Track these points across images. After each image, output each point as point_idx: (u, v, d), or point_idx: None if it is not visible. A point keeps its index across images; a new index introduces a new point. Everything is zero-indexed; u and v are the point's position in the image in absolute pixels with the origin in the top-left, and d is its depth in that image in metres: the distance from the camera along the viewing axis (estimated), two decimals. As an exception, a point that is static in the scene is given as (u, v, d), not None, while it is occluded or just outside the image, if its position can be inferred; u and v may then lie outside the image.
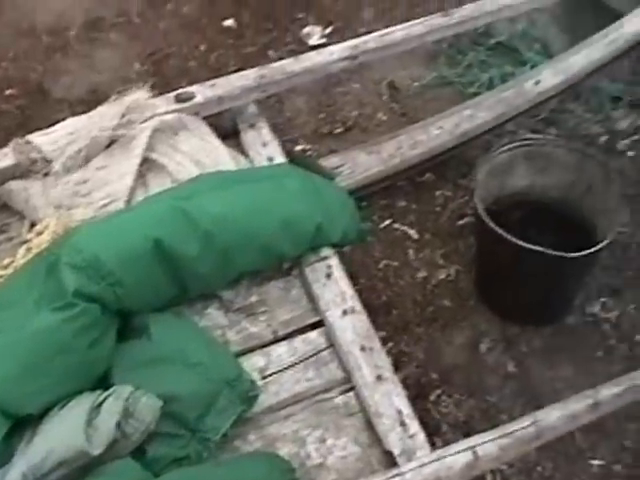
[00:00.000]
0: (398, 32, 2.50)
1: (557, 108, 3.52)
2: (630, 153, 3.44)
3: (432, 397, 2.71)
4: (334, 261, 2.23)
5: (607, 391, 1.98)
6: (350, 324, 2.08)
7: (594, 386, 2.02)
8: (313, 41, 3.87)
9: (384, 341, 2.78)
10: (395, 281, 3.00)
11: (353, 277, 2.86)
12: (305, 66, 2.52)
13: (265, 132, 2.52)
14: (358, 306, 2.13)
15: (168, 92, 2.59)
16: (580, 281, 2.83)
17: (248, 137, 2.51)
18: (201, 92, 2.51)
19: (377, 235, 3.12)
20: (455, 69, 3.73)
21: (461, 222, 3.13)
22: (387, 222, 3.15)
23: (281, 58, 2.73)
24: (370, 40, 2.52)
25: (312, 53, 2.60)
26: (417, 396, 2.67)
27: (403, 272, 3.02)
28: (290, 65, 2.53)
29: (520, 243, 2.50)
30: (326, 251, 2.24)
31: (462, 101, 3.31)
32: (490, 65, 3.71)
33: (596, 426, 2.52)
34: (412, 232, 3.13)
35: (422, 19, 2.54)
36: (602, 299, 2.97)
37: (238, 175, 2.29)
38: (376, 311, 2.87)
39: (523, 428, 1.92)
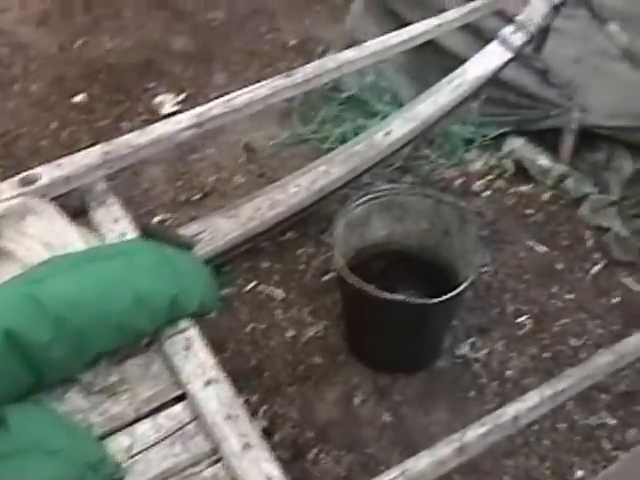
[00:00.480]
0: (242, 96, 2.52)
1: (411, 155, 3.59)
2: (486, 193, 3.53)
3: (310, 456, 2.69)
4: (193, 332, 2.20)
5: (473, 432, 2.00)
6: (213, 394, 2.06)
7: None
8: (166, 109, 3.87)
9: (257, 404, 2.79)
10: (264, 343, 2.99)
11: (221, 343, 2.88)
12: (151, 138, 2.51)
13: (116, 208, 2.49)
14: (220, 375, 2.10)
15: (20, 174, 2.54)
16: (446, 324, 2.87)
17: (98, 215, 2.46)
18: (47, 173, 2.46)
19: (243, 298, 3.10)
20: (309, 126, 3.77)
21: (326, 278, 3.15)
22: (252, 284, 3.14)
23: (134, 129, 2.71)
24: (215, 106, 2.53)
25: (158, 124, 2.59)
26: (295, 457, 2.66)
27: (272, 333, 3.01)
28: (136, 138, 2.51)
29: (381, 295, 2.53)
30: (184, 323, 2.22)
31: (318, 157, 3.34)
32: (343, 119, 3.76)
33: (473, 466, 2.56)
34: (278, 292, 3.13)
35: (266, 81, 2.56)
36: (470, 339, 3.02)
37: (89, 255, 2.25)
38: (247, 375, 2.87)
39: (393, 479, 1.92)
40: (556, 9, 3.08)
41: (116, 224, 2.44)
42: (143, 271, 2.23)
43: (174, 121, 2.58)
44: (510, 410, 2.00)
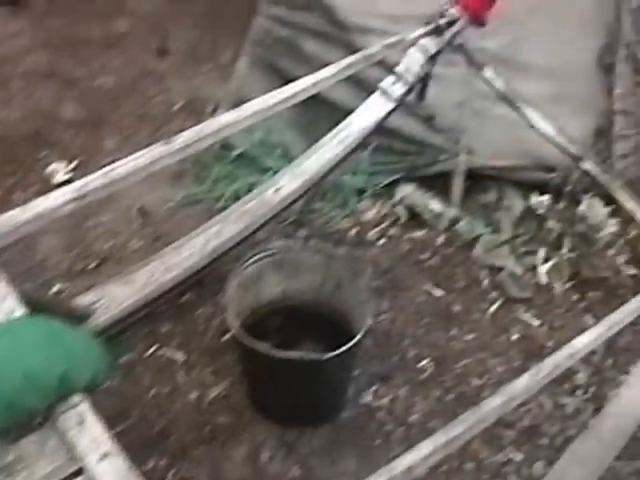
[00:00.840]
0: (122, 167, 2.50)
1: (305, 209, 3.63)
2: (380, 242, 3.58)
3: (219, 517, 2.69)
4: (85, 407, 2.16)
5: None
6: (108, 468, 2.03)
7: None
8: (58, 178, 3.85)
9: (165, 469, 2.78)
10: (168, 407, 2.97)
11: (125, 411, 2.86)
12: (33, 214, 2.47)
13: (2, 286, 2.45)
14: (114, 448, 2.08)
15: None
16: (346, 375, 2.90)
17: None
18: None
19: (144, 364, 3.08)
20: (202, 185, 3.79)
21: (226, 337, 3.15)
22: (152, 349, 3.13)
23: (27, 200, 2.68)
24: (94, 179, 2.50)
25: (41, 199, 2.56)
26: (203, 520, 2.65)
27: (175, 396, 3.00)
28: (16, 216, 2.47)
29: (276, 353, 2.55)
30: (76, 398, 2.19)
31: (213, 217, 3.34)
32: (236, 177, 3.78)
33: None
34: (179, 355, 3.12)
35: (144, 150, 2.55)
36: (373, 388, 3.05)
37: (-26, 336, 2.22)
38: (153, 440, 2.85)
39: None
40: (432, 58, 3.14)
41: (3, 302, 2.39)
42: (32, 348, 2.18)
43: (55, 195, 2.54)
44: (403, 462, 2.02)
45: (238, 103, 2.85)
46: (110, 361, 2.45)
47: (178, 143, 2.55)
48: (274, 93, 2.79)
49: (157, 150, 2.53)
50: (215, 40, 4.83)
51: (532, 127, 3.02)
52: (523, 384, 2.19)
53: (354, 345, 2.62)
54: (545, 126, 2.99)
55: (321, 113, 3.72)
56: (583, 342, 2.21)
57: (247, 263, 2.84)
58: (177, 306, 3.25)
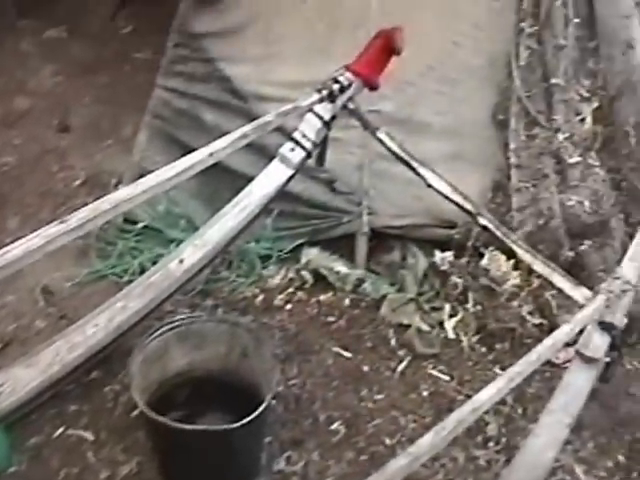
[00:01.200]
0: (16, 249, 2.47)
1: (211, 278, 3.63)
2: (287, 307, 3.60)
3: None
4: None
5: None
6: None
7: None
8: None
9: None
10: (78, 487, 2.93)
11: (33, 496, 2.79)
12: None
13: None
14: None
15: None
16: (258, 443, 2.89)
17: None
18: None
19: (52, 445, 3.01)
20: (107, 260, 3.77)
21: (135, 413, 3.10)
22: (60, 430, 3.06)
23: None
24: (-14, 264, 2.47)
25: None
26: None
27: (85, 476, 2.93)
28: None
29: (183, 427, 2.54)
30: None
31: (118, 292, 3.33)
32: (140, 250, 3.78)
33: None
34: (87, 434, 3.06)
35: (40, 230, 2.53)
36: (286, 454, 3.03)
37: None
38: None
39: None
40: (328, 124, 3.19)
41: None
42: None
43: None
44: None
45: (141, 176, 2.87)
46: (14, 445, 2.42)
47: (72, 222, 2.53)
48: (171, 165, 2.80)
49: (53, 229, 2.51)
50: (117, 114, 4.84)
51: (429, 186, 3.07)
52: (428, 442, 2.20)
53: (262, 413, 2.61)
54: (441, 185, 3.05)
55: (224, 182, 3.74)
56: (488, 394, 2.24)
57: (151, 337, 2.83)
58: (84, 384, 3.21)
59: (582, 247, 3.55)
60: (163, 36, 4.03)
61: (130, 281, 3.52)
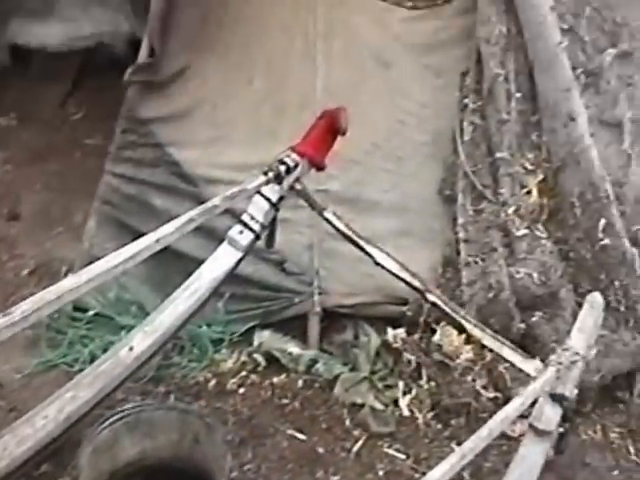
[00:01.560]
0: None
1: (163, 364, 3.60)
2: (240, 390, 3.57)
3: None
4: None
5: None
6: None
7: None
8: None
9: None
10: None
11: None
12: None
13: None
14: None
15: None
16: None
17: None
18: None
19: None
20: (57, 350, 3.72)
21: (86, 505, 3.06)
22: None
23: None
24: None
25: None
26: None
27: None
28: None
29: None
30: None
31: (70, 381, 3.29)
32: (91, 338, 3.73)
33: None
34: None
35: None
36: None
37: None
38: None
39: None
40: (275, 205, 3.20)
41: None
42: None
43: None
44: None
45: (91, 262, 2.86)
46: None
47: (16, 315, 2.49)
48: (118, 252, 2.79)
49: (-3, 322, 2.48)
50: (67, 201, 4.82)
51: (377, 264, 3.08)
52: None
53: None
54: (389, 262, 3.06)
55: (174, 266, 3.72)
56: (441, 472, 2.23)
57: (101, 427, 2.79)
58: (34, 478, 3.14)
59: (533, 319, 3.56)
60: (114, 122, 4.04)
61: (81, 370, 3.46)
